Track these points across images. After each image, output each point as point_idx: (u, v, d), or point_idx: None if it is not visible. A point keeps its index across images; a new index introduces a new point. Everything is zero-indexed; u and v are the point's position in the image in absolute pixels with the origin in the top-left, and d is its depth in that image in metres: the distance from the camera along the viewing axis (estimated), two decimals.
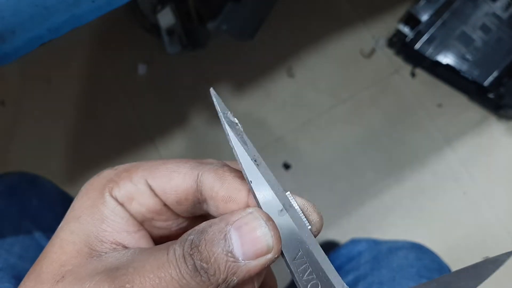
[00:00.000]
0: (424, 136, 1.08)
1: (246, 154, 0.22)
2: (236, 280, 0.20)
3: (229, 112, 0.23)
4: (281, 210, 0.21)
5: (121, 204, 0.24)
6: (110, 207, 0.23)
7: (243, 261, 0.20)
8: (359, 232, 1.03)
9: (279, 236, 0.21)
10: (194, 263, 0.20)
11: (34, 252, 0.45)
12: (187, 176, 0.23)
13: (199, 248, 0.20)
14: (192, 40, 0.95)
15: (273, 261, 0.21)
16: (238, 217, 0.21)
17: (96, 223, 0.23)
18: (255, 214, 0.21)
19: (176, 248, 0.21)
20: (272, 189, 0.22)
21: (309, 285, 0.21)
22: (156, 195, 0.24)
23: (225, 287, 0.20)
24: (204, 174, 0.23)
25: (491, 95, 1.04)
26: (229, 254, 0.20)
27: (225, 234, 0.20)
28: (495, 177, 1.07)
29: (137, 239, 0.24)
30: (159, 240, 0.25)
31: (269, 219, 0.21)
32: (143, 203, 0.24)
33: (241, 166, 0.22)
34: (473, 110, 1.10)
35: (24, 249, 0.45)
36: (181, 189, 0.23)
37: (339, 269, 0.55)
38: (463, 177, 1.06)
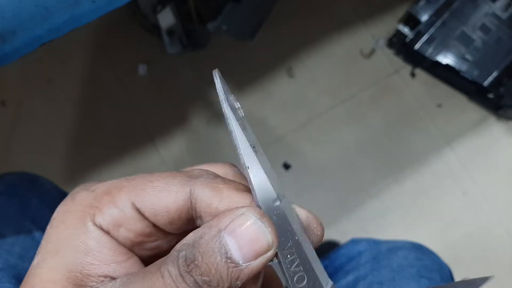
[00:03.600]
0: (424, 136, 1.08)
1: (245, 139, 0.21)
2: (240, 284, 0.20)
3: (231, 96, 0.22)
4: (275, 199, 0.21)
5: (107, 233, 0.21)
6: (95, 238, 0.21)
7: (244, 264, 0.19)
8: (359, 232, 1.03)
9: (276, 231, 0.20)
10: (195, 279, 0.19)
11: (34, 252, 0.45)
12: (179, 194, 0.21)
13: (196, 262, 0.19)
14: (192, 40, 0.96)
15: (273, 257, 0.21)
16: (229, 221, 0.20)
17: (80, 257, 0.21)
18: (247, 214, 0.20)
19: (169, 269, 0.19)
20: (268, 178, 0.21)
21: (295, 277, 0.21)
22: (145, 218, 0.22)
23: None
24: (197, 189, 0.21)
25: (490, 95, 1.04)
26: (229, 261, 0.19)
27: (220, 241, 0.19)
28: (495, 177, 1.07)
29: (128, 268, 0.22)
30: (149, 261, 0.23)
31: (262, 215, 0.20)
32: (131, 228, 0.22)
33: (239, 151, 0.21)
34: (473, 110, 1.10)
35: (24, 249, 0.45)
36: (174, 209, 0.21)
37: (339, 269, 0.56)
38: (462, 177, 1.06)
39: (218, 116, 1.05)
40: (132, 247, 0.22)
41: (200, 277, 0.19)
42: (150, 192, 0.21)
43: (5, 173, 0.53)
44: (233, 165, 0.25)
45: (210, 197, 0.21)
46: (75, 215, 0.22)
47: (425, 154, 1.07)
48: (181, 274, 0.19)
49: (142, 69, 1.07)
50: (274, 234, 0.20)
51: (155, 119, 1.06)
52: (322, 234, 0.22)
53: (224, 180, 0.22)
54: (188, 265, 0.19)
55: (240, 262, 0.19)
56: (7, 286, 0.40)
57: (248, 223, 0.20)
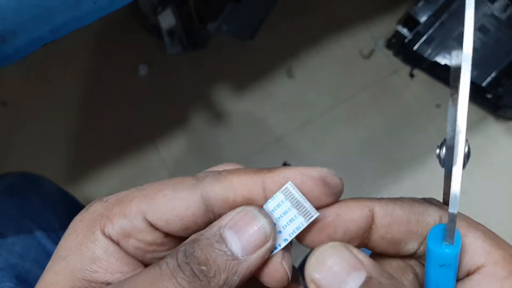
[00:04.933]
0: (423, 136, 1.08)
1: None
2: (237, 280, 0.20)
3: None
4: None
5: (116, 243, 0.21)
6: (103, 247, 0.21)
7: (243, 257, 0.20)
8: None
9: (273, 223, 0.21)
10: (192, 268, 0.19)
11: (35, 252, 0.46)
12: (190, 200, 0.21)
13: (195, 254, 0.19)
14: (192, 40, 0.96)
15: (271, 250, 0.21)
16: (230, 218, 0.20)
17: (86, 263, 0.21)
18: (246, 209, 0.21)
19: (168, 261, 0.19)
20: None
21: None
22: (156, 229, 0.21)
23: None
24: (208, 190, 0.21)
25: (489, 96, 1.04)
26: (228, 253, 0.20)
27: (220, 235, 0.20)
28: (494, 176, 1.07)
29: None
30: None
31: (260, 208, 0.21)
32: (142, 239, 0.21)
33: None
34: (472, 111, 1.10)
35: (25, 249, 0.45)
36: (187, 216, 0.21)
37: None
38: (462, 177, 1.06)
39: (218, 116, 1.05)
40: (144, 256, 0.22)
41: (197, 266, 0.19)
42: (161, 202, 0.21)
43: (5, 173, 0.53)
44: (237, 163, 0.25)
45: (223, 193, 0.21)
46: (87, 224, 0.22)
47: (424, 154, 1.07)
48: (179, 265, 0.19)
49: (142, 70, 1.07)
50: (271, 225, 0.21)
51: (155, 119, 1.06)
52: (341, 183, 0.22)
53: (229, 171, 0.22)
54: (187, 257, 0.19)
55: (239, 255, 0.20)
56: (7, 285, 0.40)
57: (247, 216, 0.20)
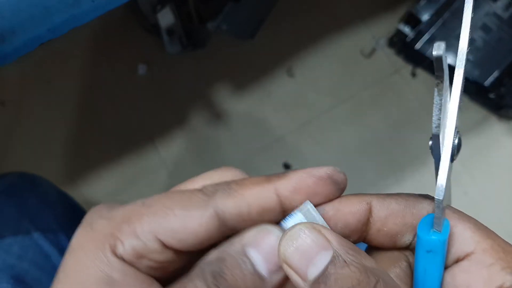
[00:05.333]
0: (424, 136, 1.08)
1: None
2: None
3: None
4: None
5: (129, 263, 0.21)
6: (118, 268, 0.20)
7: (268, 278, 0.20)
8: None
9: None
10: None
11: (33, 253, 0.45)
12: (204, 218, 0.21)
13: (224, 276, 0.20)
14: (192, 40, 0.95)
15: None
16: (253, 236, 0.21)
17: (102, 286, 0.20)
18: (267, 228, 0.21)
19: (197, 284, 0.20)
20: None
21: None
22: (168, 248, 0.21)
23: None
24: (221, 206, 0.21)
25: (491, 95, 1.04)
26: (256, 274, 0.20)
27: (245, 254, 0.20)
28: (496, 177, 1.07)
29: None
30: (170, 280, 0.23)
31: (279, 227, 0.21)
32: (155, 258, 0.21)
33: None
34: (474, 110, 1.10)
35: (23, 249, 0.45)
36: (201, 232, 0.21)
37: None
38: (463, 177, 1.06)
39: (218, 116, 1.05)
40: (155, 273, 0.22)
41: None
42: (172, 221, 0.21)
43: (4, 173, 0.53)
44: (234, 168, 0.25)
45: (236, 207, 0.21)
46: (95, 244, 0.21)
47: (426, 153, 1.07)
48: (208, 286, 0.19)
49: (142, 69, 1.07)
50: None
51: (155, 119, 1.06)
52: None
53: (237, 182, 0.22)
54: (215, 278, 0.20)
55: (265, 275, 0.20)
56: (5, 286, 0.40)
57: (271, 236, 0.21)
